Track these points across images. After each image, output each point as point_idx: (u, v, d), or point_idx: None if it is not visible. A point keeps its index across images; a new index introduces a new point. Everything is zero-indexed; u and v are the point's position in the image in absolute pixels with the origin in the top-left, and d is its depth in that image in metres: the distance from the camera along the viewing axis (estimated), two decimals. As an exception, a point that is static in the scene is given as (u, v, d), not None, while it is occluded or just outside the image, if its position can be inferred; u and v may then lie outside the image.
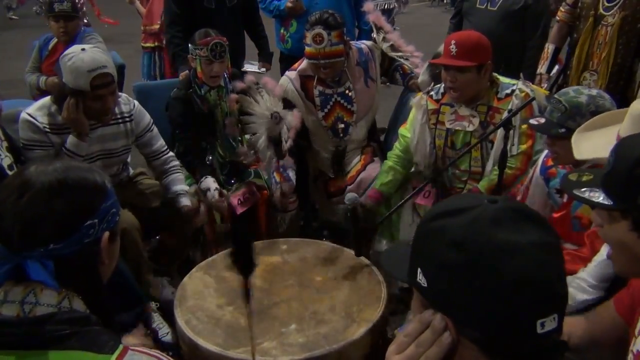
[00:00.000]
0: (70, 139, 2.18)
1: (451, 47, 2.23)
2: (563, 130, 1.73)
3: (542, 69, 3.17)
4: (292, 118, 2.61)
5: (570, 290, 1.67)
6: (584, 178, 1.14)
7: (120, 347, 0.93)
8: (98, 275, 1.03)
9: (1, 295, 0.93)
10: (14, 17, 11.89)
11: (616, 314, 1.30)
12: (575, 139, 1.59)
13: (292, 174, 2.70)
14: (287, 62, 3.56)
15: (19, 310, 0.91)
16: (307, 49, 2.59)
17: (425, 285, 0.74)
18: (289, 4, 3.51)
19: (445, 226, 0.73)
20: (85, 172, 1.01)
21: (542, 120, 1.81)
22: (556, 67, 3.20)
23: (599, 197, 1.07)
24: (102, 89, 2.13)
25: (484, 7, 3.30)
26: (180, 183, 2.52)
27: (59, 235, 0.94)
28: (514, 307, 0.68)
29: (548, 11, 3.32)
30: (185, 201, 2.45)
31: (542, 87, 3.05)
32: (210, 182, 2.58)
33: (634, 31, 2.80)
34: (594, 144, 1.54)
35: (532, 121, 1.86)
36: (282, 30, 3.68)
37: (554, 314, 0.70)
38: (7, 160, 2.03)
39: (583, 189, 1.11)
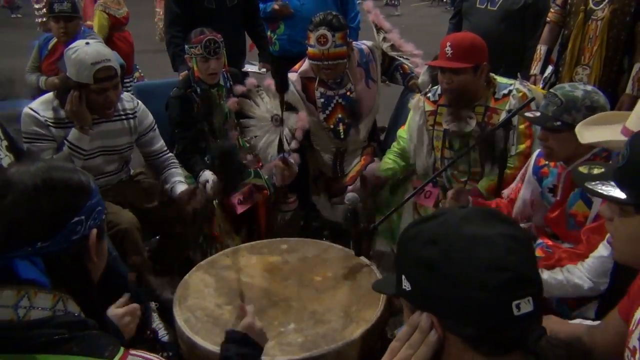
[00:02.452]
0: (73, 132, 2.19)
1: (446, 49, 2.23)
2: (558, 123, 1.73)
3: (535, 70, 3.20)
4: (297, 120, 2.61)
5: (566, 274, 1.71)
6: (595, 171, 1.13)
7: (121, 351, 0.93)
8: (88, 273, 1.02)
9: None
10: (18, 16, 11.95)
11: (621, 321, 1.30)
12: (578, 130, 1.60)
13: (295, 167, 2.70)
14: (276, 64, 3.57)
15: (12, 315, 0.90)
16: (310, 49, 2.59)
17: (409, 289, 0.79)
18: (276, 6, 3.51)
19: (420, 230, 0.80)
20: (69, 172, 1.00)
21: (538, 114, 1.82)
22: (550, 68, 3.22)
23: (612, 190, 1.06)
24: (106, 82, 2.15)
25: (483, 7, 3.30)
26: (177, 175, 2.52)
27: (45, 233, 0.93)
28: (488, 292, 0.72)
29: (548, 12, 3.33)
30: (182, 188, 2.45)
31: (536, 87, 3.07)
32: (208, 175, 2.58)
33: (623, 24, 2.84)
34: (598, 133, 1.54)
35: (528, 114, 1.87)
36: (269, 33, 3.69)
37: (527, 296, 0.72)
38: (6, 160, 2.03)
39: (595, 182, 1.10)
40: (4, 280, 0.91)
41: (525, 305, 0.72)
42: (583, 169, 1.16)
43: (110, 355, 0.91)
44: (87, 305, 0.99)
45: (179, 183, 2.48)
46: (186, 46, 2.65)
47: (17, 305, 0.90)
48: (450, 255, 0.74)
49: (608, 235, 1.59)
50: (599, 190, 1.08)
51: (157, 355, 0.97)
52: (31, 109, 2.19)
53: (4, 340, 0.87)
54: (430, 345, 0.76)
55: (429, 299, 0.77)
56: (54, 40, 3.43)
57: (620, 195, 1.05)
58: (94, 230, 1.00)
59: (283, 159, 2.59)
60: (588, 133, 1.55)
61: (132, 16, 4.89)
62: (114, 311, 1.37)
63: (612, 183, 1.07)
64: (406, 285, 0.79)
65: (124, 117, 2.38)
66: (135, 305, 1.41)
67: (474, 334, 0.73)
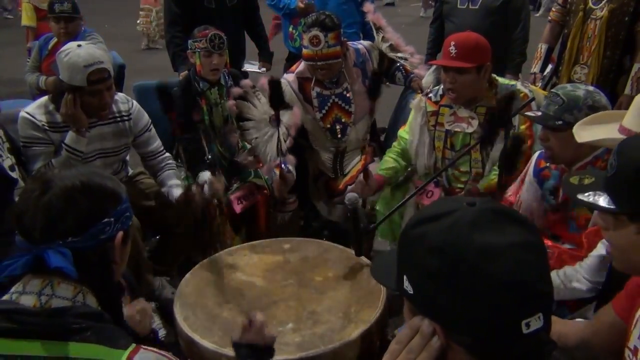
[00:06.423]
0: (70, 135, 2.19)
1: (450, 48, 2.22)
2: (560, 122, 1.73)
3: (535, 68, 3.23)
4: (292, 116, 2.61)
5: (563, 278, 1.71)
6: (586, 181, 1.13)
7: (133, 345, 0.98)
8: (111, 272, 1.09)
9: (20, 287, 1.00)
10: (9, 17, 11.85)
11: (616, 317, 1.29)
12: (575, 130, 1.60)
13: (292, 169, 2.70)
14: (294, 61, 3.57)
15: (35, 301, 0.98)
16: (304, 50, 2.59)
17: (412, 292, 0.75)
18: (301, 5, 3.50)
19: (425, 232, 0.74)
20: (106, 179, 1.09)
21: (539, 113, 1.82)
22: (550, 66, 3.23)
23: (603, 200, 1.06)
24: (99, 84, 2.14)
25: (465, 6, 3.32)
26: (173, 177, 2.52)
27: (78, 229, 1.01)
28: (498, 309, 0.68)
29: (527, 5, 3.35)
30: (178, 192, 2.44)
31: (536, 87, 3.08)
32: (205, 176, 2.58)
33: (621, 24, 2.86)
34: (594, 132, 1.55)
35: (529, 113, 1.87)
36: (290, 29, 3.68)
37: (538, 313, 0.70)
38: (8, 162, 2.04)
39: (587, 193, 1.09)
40: (34, 270, 0.99)
41: (535, 323, 0.69)
42: (573, 180, 1.16)
43: (124, 346, 0.97)
44: (106, 302, 1.06)
45: (175, 187, 2.47)
46: (190, 41, 2.64)
47: (41, 292, 0.99)
48: (458, 269, 0.69)
49: None
50: (592, 202, 1.08)
51: (167, 353, 1.03)
52: (27, 112, 2.19)
53: (30, 326, 0.95)
54: (431, 352, 0.73)
55: (432, 308, 0.73)
56: (54, 40, 3.43)
57: (612, 205, 1.04)
58: (120, 233, 1.08)
59: (280, 172, 2.56)
60: (584, 132, 1.56)
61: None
62: (126, 312, 1.41)
63: (604, 193, 1.07)
64: (408, 287, 0.75)
65: (119, 119, 2.38)
66: (145, 304, 1.47)
67: (479, 348, 0.71)
